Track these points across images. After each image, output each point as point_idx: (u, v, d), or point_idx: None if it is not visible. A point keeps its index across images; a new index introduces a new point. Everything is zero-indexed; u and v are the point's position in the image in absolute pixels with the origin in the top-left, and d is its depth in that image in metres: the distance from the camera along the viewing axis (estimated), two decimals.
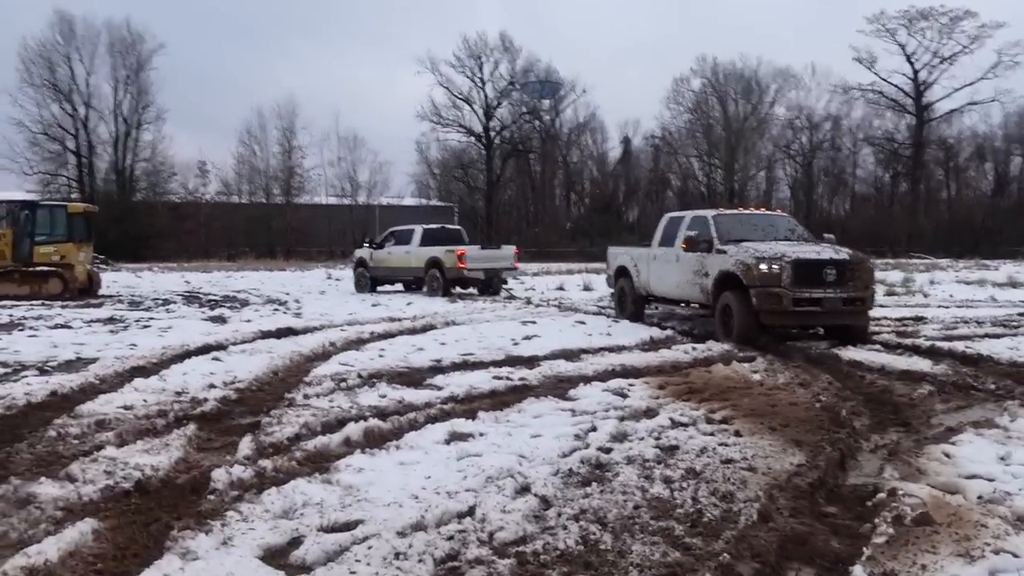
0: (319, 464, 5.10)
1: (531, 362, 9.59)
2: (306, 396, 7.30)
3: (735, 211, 14.14)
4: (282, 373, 8.74)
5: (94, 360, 9.60)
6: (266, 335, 12.06)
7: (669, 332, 12.30)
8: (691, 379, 8.21)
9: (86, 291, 21.73)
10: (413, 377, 8.51)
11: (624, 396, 7.37)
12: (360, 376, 8.36)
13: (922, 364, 9.08)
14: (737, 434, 5.89)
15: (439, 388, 7.84)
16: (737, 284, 11.29)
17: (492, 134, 76.34)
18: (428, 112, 74.39)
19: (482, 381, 8.15)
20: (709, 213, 12.99)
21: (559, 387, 7.90)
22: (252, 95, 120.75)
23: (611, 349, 10.68)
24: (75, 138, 63.69)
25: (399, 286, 24.49)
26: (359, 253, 24.97)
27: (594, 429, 6.03)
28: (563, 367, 9.08)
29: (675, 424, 6.17)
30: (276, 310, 17.56)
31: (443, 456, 5.24)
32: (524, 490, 4.54)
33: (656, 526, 3.95)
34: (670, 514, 4.13)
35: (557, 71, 77.11)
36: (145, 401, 7.07)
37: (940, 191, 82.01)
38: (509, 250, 22.53)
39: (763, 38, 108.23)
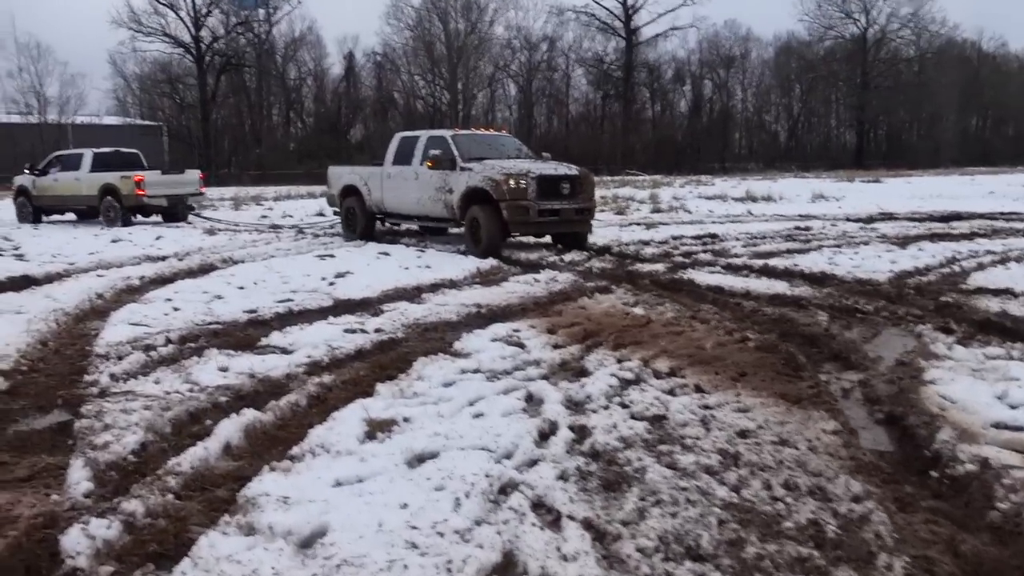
0: (213, 498, 3.45)
1: (368, 306, 8.10)
2: (114, 377, 5.35)
3: (470, 131, 14.87)
4: (54, 342, 6.56)
5: None
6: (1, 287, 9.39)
7: (491, 262, 11.17)
8: (572, 318, 7.19)
9: None
10: (238, 336, 6.72)
11: (522, 346, 6.19)
12: (170, 340, 6.45)
13: (780, 286, 8.77)
14: (701, 390, 4.96)
15: (287, 351, 6.18)
16: (485, 199, 12.29)
17: (203, 46, 69.63)
18: (125, 18, 66.15)
19: (333, 336, 6.57)
20: (447, 133, 13.83)
21: (435, 340, 6.55)
22: None
23: (445, 284, 9.41)
24: None
25: (70, 216, 22.56)
26: (19, 180, 22.61)
27: (534, 399, 4.82)
28: (413, 311, 7.69)
29: (625, 382, 5.11)
30: None
31: (386, 464, 3.78)
32: (546, 510, 3.28)
33: (782, 555, 2.87)
34: (780, 532, 3.07)
35: None
36: None
37: (645, 112, 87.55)
38: (193, 174, 21.37)
39: None
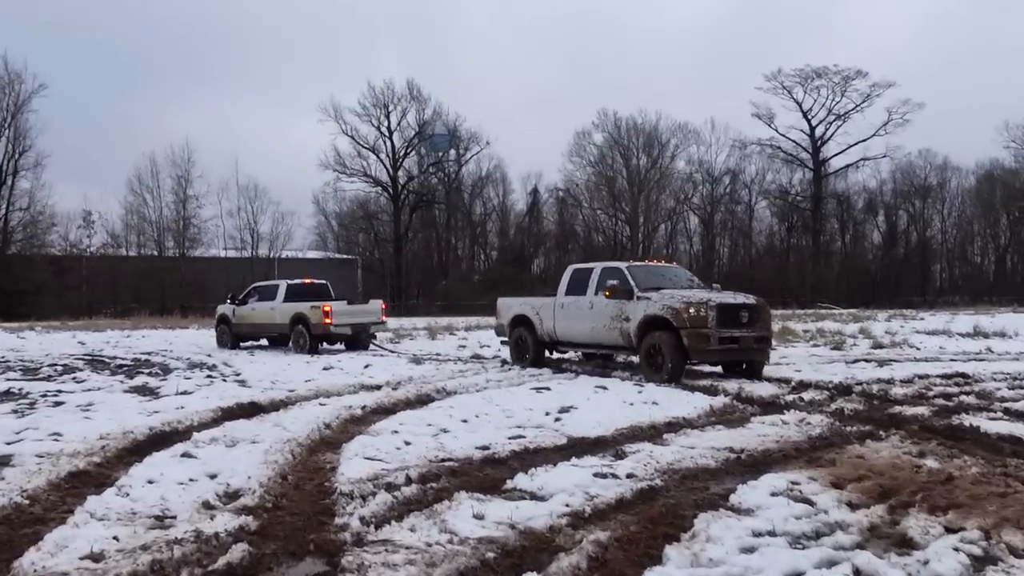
0: None
1: (605, 446, 7.41)
2: (365, 521, 4.88)
3: (643, 263, 15.50)
4: (293, 476, 6.26)
5: (6, 460, 6.86)
6: (229, 414, 9.43)
7: (723, 399, 10.26)
8: (854, 470, 6.17)
9: None
10: (478, 477, 6.19)
11: (811, 503, 5.26)
12: (410, 479, 5.99)
13: None
14: None
15: (538, 496, 5.56)
16: (664, 327, 12.67)
17: (399, 185, 74.13)
18: (332, 161, 71.89)
19: (584, 481, 5.89)
20: (622, 264, 14.39)
21: (700, 490, 5.75)
22: (142, 143, 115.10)
23: (680, 424, 8.61)
24: None
25: (263, 341, 24.16)
26: (221, 309, 24.53)
27: None
28: (661, 454, 6.90)
29: (978, 560, 4.09)
30: (209, 376, 14.74)
31: None
32: None
33: None
34: None
35: (465, 119, 75.94)
36: (117, 541, 4.54)
37: (834, 243, 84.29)
38: (376, 304, 22.25)
39: (662, 93, 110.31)
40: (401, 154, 74.15)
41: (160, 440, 7.83)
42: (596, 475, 6.10)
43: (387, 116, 72.69)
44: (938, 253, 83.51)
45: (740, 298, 13.25)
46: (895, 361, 15.30)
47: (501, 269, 76.32)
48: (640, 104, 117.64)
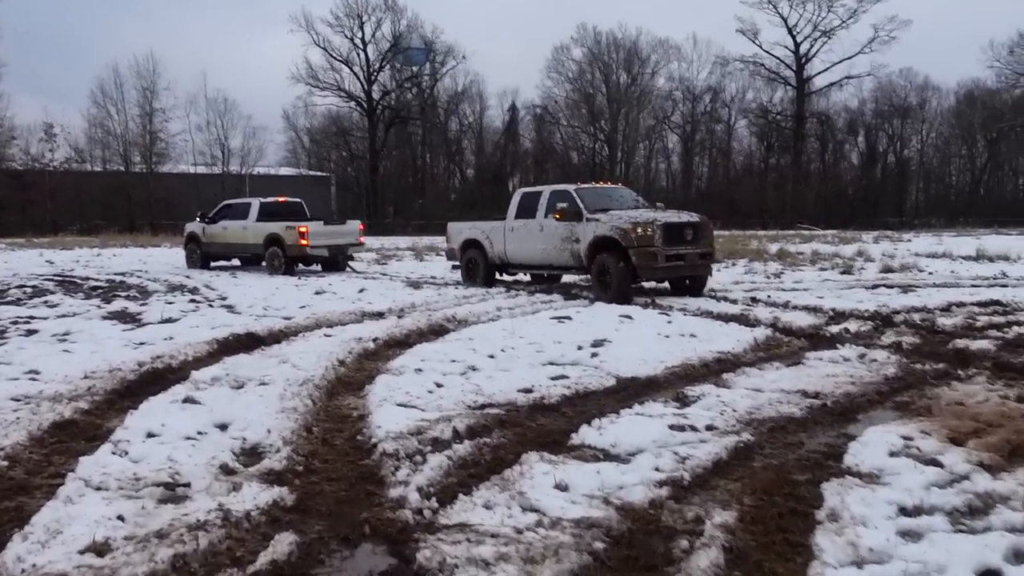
0: None
1: (659, 388, 6.63)
2: (423, 492, 4.02)
3: (591, 185, 15.57)
4: (318, 428, 5.37)
5: None
6: (226, 347, 8.48)
7: (764, 331, 9.45)
8: (961, 420, 5.39)
9: None
10: (535, 429, 5.37)
11: (940, 466, 4.47)
12: (458, 432, 5.13)
13: None
14: None
15: (614, 456, 4.74)
16: (613, 247, 12.96)
17: (374, 100, 71.73)
18: (303, 74, 69.15)
19: (661, 435, 5.07)
20: (571, 187, 14.55)
21: (797, 446, 4.97)
22: (103, 55, 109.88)
23: (730, 360, 7.82)
24: None
25: (235, 262, 23.25)
26: (190, 227, 23.48)
27: None
28: (731, 400, 6.08)
29: None
30: (193, 300, 13.72)
31: None
32: None
33: None
34: None
35: (443, 31, 73.27)
36: (122, 523, 3.66)
37: (813, 163, 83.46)
38: (353, 225, 21.23)
39: (642, 8, 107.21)
40: (375, 67, 71.53)
41: (153, 379, 6.89)
42: (672, 427, 5.26)
43: (361, 27, 69.76)
44: (916, 174, 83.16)
45: (684, 216, 13.72)
46: (916, 287, 14.59)
47: (478, 188, 74.82)
48: (620, 18, 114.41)
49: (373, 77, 71.56)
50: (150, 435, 5.11)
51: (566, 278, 16.47)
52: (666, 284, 14.38)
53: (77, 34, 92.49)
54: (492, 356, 7.93)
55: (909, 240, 38.05)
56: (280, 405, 5.77)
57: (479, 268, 16.16)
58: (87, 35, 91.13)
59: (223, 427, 5.37)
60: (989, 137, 79.52)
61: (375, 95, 71.95)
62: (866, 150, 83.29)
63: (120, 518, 3.69)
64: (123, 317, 11.42)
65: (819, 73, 77.07)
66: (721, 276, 17.45)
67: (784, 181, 78.61)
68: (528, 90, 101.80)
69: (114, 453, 4.72)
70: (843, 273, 18.12)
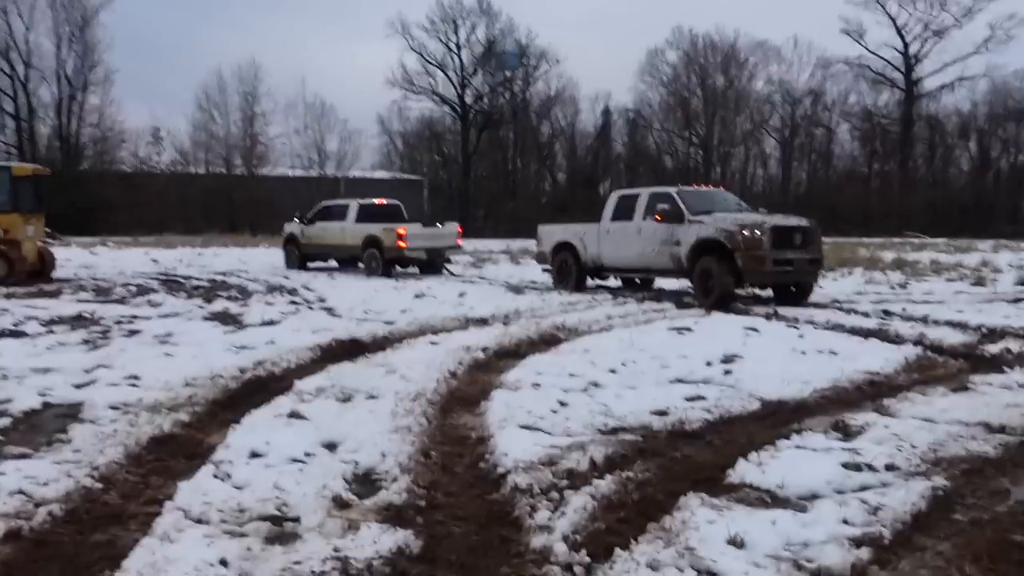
0: None
1: (813, 414, 5.85)
2: (571, 542, 3.38)
3: (692, 187, 15.03)
4: (437, 452, 4.79)
5: (74, 410, 5.58)
6: (329, 353, 8.06)
7: (911, 349, 8.49)
8: None
9: (37, 273, 17.21)
10: (681, 461, 4.69)
11: None
12: (595, 464, 4.48)
13: None
14: None
15: (788, 501, 4.03)
16: (716, 250, 12.45)
17: (467, 103, 71.82)
18: (399, 78, 69.63)
19: (836, 477, 4.32)
20: (672, 189, 14.09)
21: (1003, 495, 4.14)
22: (208, 61, 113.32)
23: (883, 383, 6.96)
24: (14, 100, 57.23)
25: (331, 263, 23.01)
26: (289, 228, 23.36)
27: None
28: (904, 432, 5.23)
29: None
30: (293, 302, 13.47)
31: None
32: None
33: None
34: None
35: (537, 35, 72.81)
36: (226, 569, 3.12)
37: (919, 169, 79.79)
38: (452, 227, 20.84)
39: (740, 10, 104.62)
40: (469, 72, 71.59)
41: (256, 388, 6.47)
42: (846, 466, 4.50)
43: (455, 31, 69.99)
44: None
45: (793, 220, 13.22)
46: None
47: (569, 192, 74.11)
48: (717, 20, 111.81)
49: (466, 81, 71.68)
50: (254, 455, 4.63)
51: (661, 283, 16.07)
52: (768, 291, 13.71)
53: (183, 42, 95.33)
54: (613, 371, 7.26)
55: None
56: (392, 423, 5.23)
57: (571, 271, 15.72)
58: (193, 43, 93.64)
59: (332, 447, 4.86)
60: None
61: (468, 99, 72.07)
62: (978, 155, 79.26)
63: (223, 563, 3.17)
64: (224, 318, 11.18)
65: (929, 75, 73.70)
66: (840, 286, 16.36)
67: (889, 187, 75.32)
68: (621, 94, 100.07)
69: (216, 476, 4.24)
70: (975, 285, 16.76)
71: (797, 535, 3.52)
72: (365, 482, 4.27)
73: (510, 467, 4.37)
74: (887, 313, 11.63)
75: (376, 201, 21.95)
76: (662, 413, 5.72)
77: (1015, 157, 78.13)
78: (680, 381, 6.96)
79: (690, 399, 6.15)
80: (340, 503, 3.86)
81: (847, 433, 5.30)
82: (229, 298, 14.13)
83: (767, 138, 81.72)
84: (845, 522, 3.68)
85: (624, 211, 14.67)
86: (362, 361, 7.67)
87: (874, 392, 6.61)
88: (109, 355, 7.88)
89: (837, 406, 6.13)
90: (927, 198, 74.02)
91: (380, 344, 8.66)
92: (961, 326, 10.20)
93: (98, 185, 55.29)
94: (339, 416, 5.51)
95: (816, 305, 12.66)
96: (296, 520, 3.68)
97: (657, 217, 13.46)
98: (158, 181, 60.62)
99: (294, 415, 5.44)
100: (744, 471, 4.40)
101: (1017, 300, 13.60)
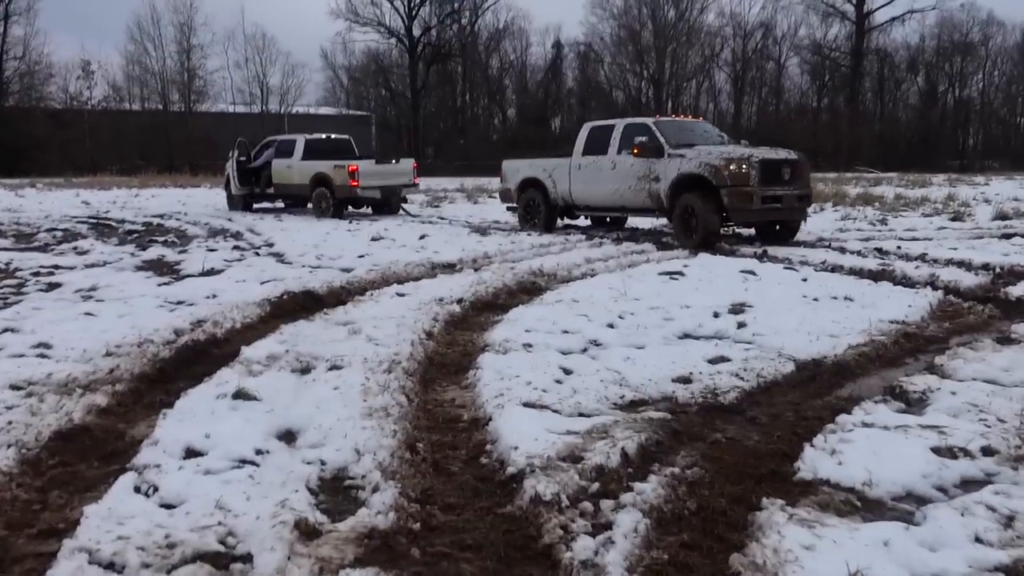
0: None
1: (856, 375, 5.01)
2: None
3: (670, 118, 14.08)
4: (424, 445, 3.80)
5: None
6: (280, 309, 6.97)
7: (931, 293, 7.69)
8: None
9: None
10: (728, 447, 3.77)
11: None
12: (627, 456, 3.55)
13: None
14: None
15: (898, 512, 3.15)
16: (700, 186, 11.54)
17: (415, 36, 69.29)
18: (343, 9, 66.74)
19: (930, 468, 3.46)
20: (649, 120, 13.07)
21: None
22: None
23: (921, 336, 6.14)
24: None
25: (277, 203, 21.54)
26: (231, 168, 21.24)
27: None
28: (979, 400, 4.38)
29: None
30: (237, 247, 12.28)
31: None
32: None
33: None
34: None
35: None
36: None
37: (866, 103, 79.72)
38: (407, 164, 19.33)
39: None
40: (416, 2, 68.88)
41: (194, 356, 5.39)
42: (935, 451, 3.63)
43: None
44: (977, 115, 79.22)
45: (782, 153, 12.20)
46: None
47: (521, 128, 72.58)
48: None
49: (414, 12, 69.03)
50: (190, 453, 3.61)
51: (635, 221, 15.08)
52: (751, 230, 12.82)
53: None
54: (612, 326, 6.32)
55: (985, 184, 35.48)
56: (365, 404, 4.21)
57: (539, 210, 14.66)
58: None
59: (290, 438, 3.85)
60: None
61: (416, 31, 69.51)
62: (926, 90, 79.43)
63: None
64: (159, 268, 9.99)
65: (880, 7, 73.05)
66: (816, 222, 15.59)
67: (839, 121, 75.13)
68: (572, 27, 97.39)
69: (138, 490, 3.21)
70: (953, 220, 16.16)
71: (924, 565, 2.63)
72: (336, 492, 3.28)
73: (523, 466, 3.41)
74: (881, 252, 10.88)
75: (324, 136, 20.44)
76: (685, 380, 4.81)
77: (961, 92, 78.54)
78: (688, 336, 6.07)
79: (712, 361, 5.24)
80: (305, 530, 2.86)
81: (909, 402, 4.45)
82: (166, 243, 12.85)
83: (719, 72, 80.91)
84: (979, 540, 2.81)
85: (597, 145, 13.57)
86: (320, 318, 6.60)
87: (913, 347, 5.79)
88: (19, 315, 6.70)
89: (880, 365, 5.31)
90: (876, 133, 74.14)
91: (339, 296, 7.59)
92: (966, 265, 9.47)
93: (25, 123, 52.27)
94: (297, 394, 4.48)
95: (804, 244, 11.88)
96: (247, 560, 2.68)
97: (634, 151, 12.42)
98: (90, 118, 57.65)
99: (241, 394, 4.39)
100: (815, 462, 3.51)
101: (1007, 236, 12.96)
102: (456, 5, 71.44)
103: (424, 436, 3.90)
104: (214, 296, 7.56)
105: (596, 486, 3.25)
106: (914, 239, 12.54)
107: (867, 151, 68.87)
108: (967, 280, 8.34)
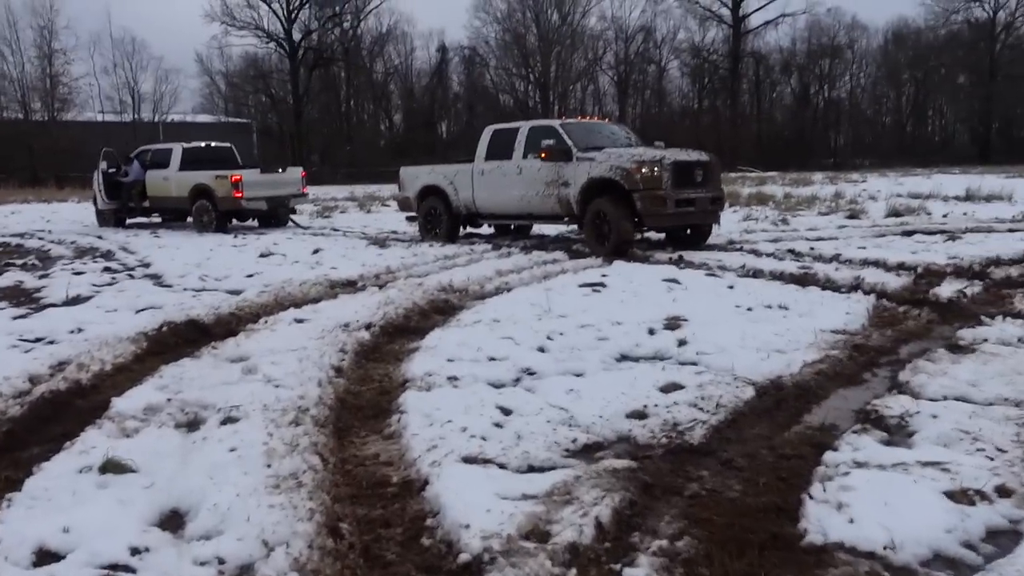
0: None
1: (816, 397, 4.55)
2: None
3: (577, 120, 13.61)
4: (349, 527, 3.06)
5: None
6: (159, 344, 6.05)
7: (861, 298, 7.39)
8: None
9: None
10: (702, 496, 3.21)
11: None
12: (600, 525, 2.92)
13: None
14: None
15: (879, 559, 2.59)
16: (611, 190, 11.17)
17: (295, 39, 67.24)
18: (219, 12, 64.08)
19: (948, 517, 2.99)
20: (555, 122, 12.63)
21: None
22: None
23: (865, 346, 5.76)
24: None
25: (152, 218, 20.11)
26: (97, 181, 19.48)
27: None
28: (964, 424, 3.96)
29: None
30: (108, 269, 11.10)
31: None
32: None
33: None
34: None
35: None
36: None
37: (748, 105, 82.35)
38: (295, 173, 18.36)
39: None
40: (296, 4, 66.81)
41: (52, 412, 4.46)
42: (949, 495, 3.15)
43: None
44: (846, 115, 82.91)
45: (694, 155, 11.95)
46: (952, 231, 12.81)
47: (408, 133, 71.60)
48: None
49: (293, 16, 66.95)
50: (43, 558, 2.77)
51: (540, 228, 14.62)
52: (661, 235, 12.55)
53: None
54: (542, 349, 5.70)
55: (864, 181, 36.80)
56: (270, 470, 3.44)
57: (441, 220, 13.93)
58: None
59: (177, 524, 3.06)
60: (916, 77, 79.40)
61: (296, 35, 67.44)
62: (799, 91, 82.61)
63: None
64: (15, 296, 8.80)
65: (755, 11, 75.46)
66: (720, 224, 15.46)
67: (719, 123, 77.18)
68: (456, 31, 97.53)
69: None
70: (850, 218, 16.33)
71: None
72: None
73: (478, 551, 2.73)
74: (795, 253, 10.66)
75: (203, 144, 19.10)
76: (640, 415, 4.22)
77: (830, 93, 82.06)
78: (627, 358, 5.51)
79: (664, 389, 4.67)
80: None
81: (889, 430, 3.99)
82: (25, 267, 11.53)
83: (603, 76, 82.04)
84: None
85: (501, 149, 12.94)
86: (208, 354, 5.71)
87: (867, 361, 5.39)
88: None
89: (840, 384, 4.87)
90: (755, 133, 76.55)
91: (229, 326, 6.70)
92: (882, 265, 9.31)
93: None
94: (184, 459, 3.66)
95: (717, 247, 11.58)
96: None
97: (542, 155, 11.92)
98: None
99: (111, 466, 3.53)
100: (821, 520, 2.96)
101: (908, 233, 13.04)
102: (337, 8, 69.82)
103: (348, 511, 3.16)
104: (79, 330, 6.56)
105: (574, 573, 2.60)
106: (820, 239, 12.43)
107: (747, 151, 70.97)
108: (892, 282, 8.11)
